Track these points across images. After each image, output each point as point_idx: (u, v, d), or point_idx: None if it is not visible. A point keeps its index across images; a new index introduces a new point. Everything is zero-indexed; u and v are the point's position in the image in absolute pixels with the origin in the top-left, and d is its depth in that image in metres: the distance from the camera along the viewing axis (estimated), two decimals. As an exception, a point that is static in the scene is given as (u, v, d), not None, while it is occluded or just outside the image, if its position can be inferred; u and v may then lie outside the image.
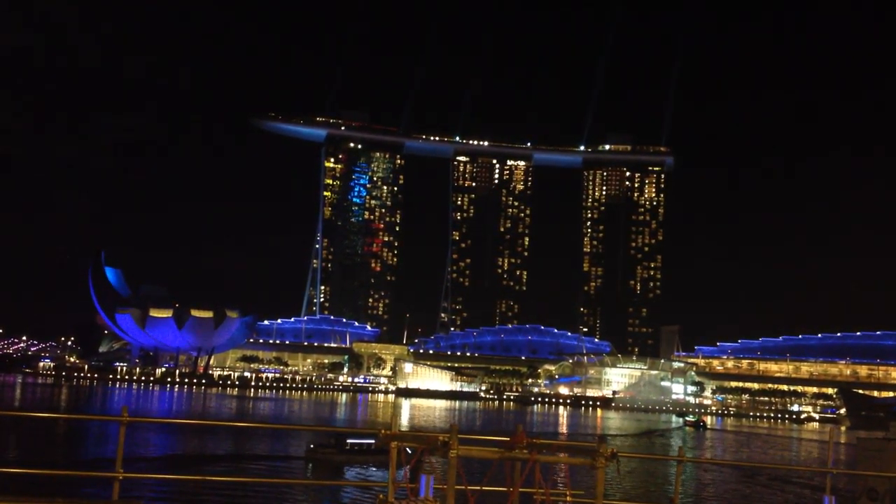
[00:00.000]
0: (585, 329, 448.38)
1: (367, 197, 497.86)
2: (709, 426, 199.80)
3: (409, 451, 13.12)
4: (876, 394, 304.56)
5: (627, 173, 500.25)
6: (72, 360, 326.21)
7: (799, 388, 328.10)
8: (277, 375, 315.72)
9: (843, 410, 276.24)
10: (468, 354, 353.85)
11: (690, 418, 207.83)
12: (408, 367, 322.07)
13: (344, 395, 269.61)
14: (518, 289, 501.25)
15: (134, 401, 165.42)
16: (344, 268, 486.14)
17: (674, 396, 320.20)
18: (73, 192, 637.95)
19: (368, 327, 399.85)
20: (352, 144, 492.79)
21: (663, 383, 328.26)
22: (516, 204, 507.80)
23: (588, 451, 12.18)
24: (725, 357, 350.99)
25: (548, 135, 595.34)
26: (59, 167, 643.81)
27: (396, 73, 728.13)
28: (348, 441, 68.93)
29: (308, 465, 68.24)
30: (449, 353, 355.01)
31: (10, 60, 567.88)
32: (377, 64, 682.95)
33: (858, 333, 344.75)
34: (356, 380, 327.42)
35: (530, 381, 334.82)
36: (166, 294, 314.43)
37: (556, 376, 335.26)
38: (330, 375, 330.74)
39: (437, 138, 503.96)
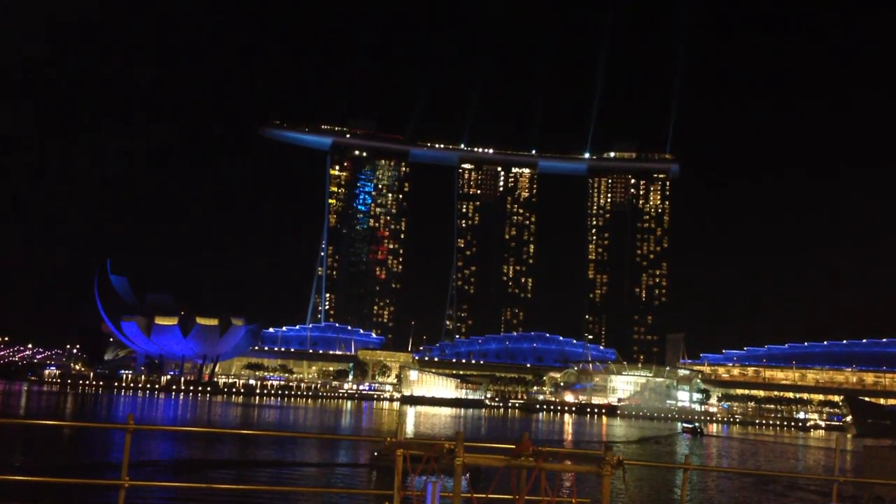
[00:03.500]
0: (591, 336, 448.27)
1: (373, 205, 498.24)
2: (708, 433, 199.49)
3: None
4: (882, 401, 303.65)
5: (632, 181, 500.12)
6: (77, 367, 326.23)
7: (805, 396, 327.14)
8: (282, 383, 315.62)
9: (849, 418, 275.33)
10: (473, 362, 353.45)
11: (688, 425, 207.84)
12: (413, 374, 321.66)
13: (349, 403, 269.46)
14: (523, 296, 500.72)
15: (139, 408, 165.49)
16: (349, 275, 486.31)
17: (679, 404, 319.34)
18: (78, 200, 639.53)
19: (373, 335, 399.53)
20: (357, 152, 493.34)
21: (669, 391, 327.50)
22: (521, 211, 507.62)
23: (594, 458, 12.18)
24: (731, 364, 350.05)
25: (553, 142, 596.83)
26: (65, 175, 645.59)
27: (402, 81, 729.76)
28: None
29: (372, 473, 68.05)
30: (454, 360, 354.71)
31: (16, 69, 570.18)
32: (382, 72, 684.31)
33: (864, 341, 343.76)
34: (361, 387, 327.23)
35: (535, 388, 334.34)
36: (172, 302, 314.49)
37: (562, 384, 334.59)
38: (335, 383, 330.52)
39: (442, 146, 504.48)
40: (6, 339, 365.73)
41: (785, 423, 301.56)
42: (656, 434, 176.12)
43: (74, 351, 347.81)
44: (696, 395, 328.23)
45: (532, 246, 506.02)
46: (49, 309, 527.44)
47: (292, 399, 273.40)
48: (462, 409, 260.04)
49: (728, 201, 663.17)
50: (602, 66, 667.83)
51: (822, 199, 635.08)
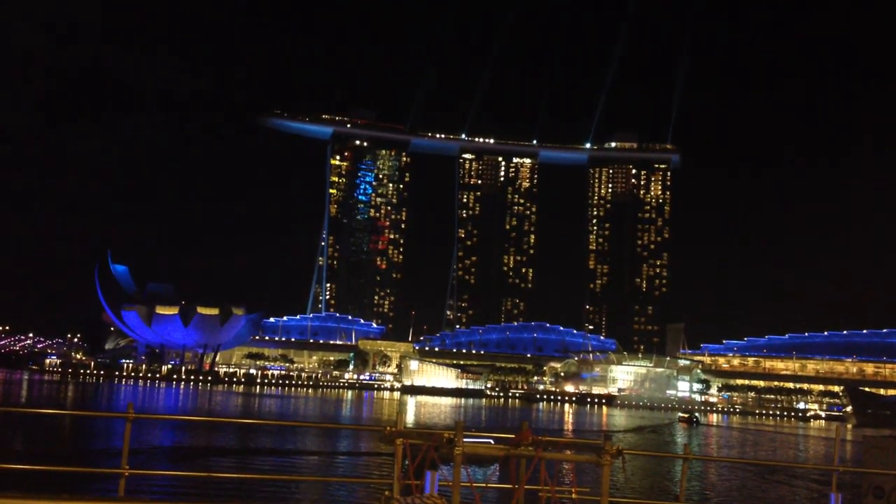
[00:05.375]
0: (591, 327, 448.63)
1: (373, 195, 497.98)
2: (707, 423, 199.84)
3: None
4: (882, 392, 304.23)
5: (633, 171, 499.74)
6: (78, 356, 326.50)
7: (805, 386, 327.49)
8: (283, 373, 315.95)
9: (849, 408, 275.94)
10: (474, 352, 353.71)
11: (684, 414, 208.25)
12: (413, 364, 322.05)
13: (349, 393, 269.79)
14: (524, 286, 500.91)
15: (140, 398, 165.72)
16: (350, 265, 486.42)
17: (679, 394, 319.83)
18: (80, 190, 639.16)
19: (374, 325, 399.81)
20: (358, 142, 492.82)
21: (669, 381, 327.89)
22: (522, 201, 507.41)
23: (593, 448, 12.17)
24: (731, 355, 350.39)
25: (554, 132, 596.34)
26: (67, 165, 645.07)
27: (403, 71, 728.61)
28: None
29: (404, 462, 68.03)
30: (454, 350, 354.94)
31: (20, 59, 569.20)
32: (384, 62, 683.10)
33: (865, 331, 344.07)
34: (362, 377, 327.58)
35: (536, 378, 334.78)
36: (173, 291, 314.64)
37: (562, 374, 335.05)
38: (335, 373, 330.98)
39: (443, 136, 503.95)
40: (7, 327, 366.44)
41: (785, 413, 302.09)
42: (656, 424, 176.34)
43: (75, 340, 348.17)
44: (697, 386, 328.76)
45: (532, 236, 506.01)
46: (50, 298, 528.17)
47: (293, 389, 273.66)
48: (462, 399, 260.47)
49: (729, 191, 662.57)
50: (604, 56, 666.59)
51: (824, 189, 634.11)
